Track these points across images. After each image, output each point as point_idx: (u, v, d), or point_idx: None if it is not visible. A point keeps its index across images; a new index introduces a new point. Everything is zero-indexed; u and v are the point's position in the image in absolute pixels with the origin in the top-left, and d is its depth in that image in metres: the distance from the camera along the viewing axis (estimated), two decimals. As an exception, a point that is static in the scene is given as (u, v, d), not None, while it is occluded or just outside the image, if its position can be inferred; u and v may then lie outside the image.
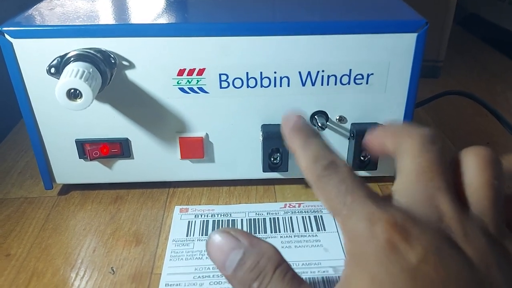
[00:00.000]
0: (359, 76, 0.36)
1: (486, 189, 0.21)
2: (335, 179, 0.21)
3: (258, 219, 0.38)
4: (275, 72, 0.36)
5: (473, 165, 0.22)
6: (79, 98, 0.31)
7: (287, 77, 0.36)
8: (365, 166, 0.38)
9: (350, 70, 0.36)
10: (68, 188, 0.42)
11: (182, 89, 0.36)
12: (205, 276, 0.32)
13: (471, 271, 0.19)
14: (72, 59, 0.33)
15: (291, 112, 0.25)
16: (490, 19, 0.82)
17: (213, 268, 0.33)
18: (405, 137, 0.22)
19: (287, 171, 0.39)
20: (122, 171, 0.40)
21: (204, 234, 0.36)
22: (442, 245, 0.19)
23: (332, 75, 0.36)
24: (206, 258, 0.34)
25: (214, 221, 0.38)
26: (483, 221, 0.20)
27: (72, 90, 0.31)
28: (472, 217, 0.20)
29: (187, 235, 0.36)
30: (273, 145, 0.37)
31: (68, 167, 0.39)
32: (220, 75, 0.36)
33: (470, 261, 0.19)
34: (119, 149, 0.38)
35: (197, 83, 0.36)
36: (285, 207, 0.39)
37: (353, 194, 0.21)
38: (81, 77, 0.31)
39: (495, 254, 0.19)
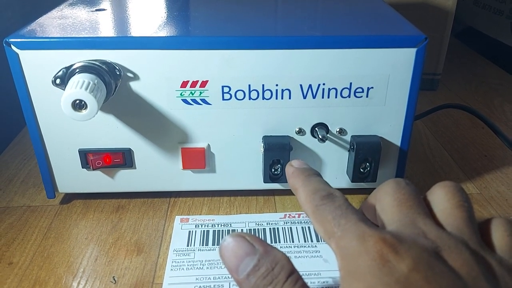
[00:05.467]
0: (359, 90, 0.37)
1: (458, 209, 0.23)
2: (332, 206, 0.24)
3: (258, 229, 0.38)
4: (276, 85, 0.36)
5: (442, 194, 0.24)
6: (84, 109, 0.32)
7: (288, 89, 0.37)
8: (364, 178, 0.39)
9: (351, 83, 0.36)
10: (70, 197, 0.42)
11: (185, 101, 0.37)
12: (207, 286, 0.33)
13: (459, 282, 0.19)
14: (77, 70, 0.34)
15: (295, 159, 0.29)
16: (487, 32, 0.83)
17: (214, 278, 0.33)
18: (381, 187, 0.25)
19: (287, 182, 0.39)
20: (124, 180, 0.40)
21: (204, 244, 0.37)
22: (429, 258, 0.20)
23: (333, 88, 0.37)
24: (207, 268, 0.34)
25: (214, 231, 0.38)
26: (463, 238, 0.22)
27: (77, 101, 0.32)
28: (452, 234, 0.22)
29: (187, 245, 0.37)
30: (274, 156, 0.38)
31: (70, 176, 0.40)
32: (222, 87, 0.36)
33: (457, 273, 0.20)
34: (121, 159, 0.39)
35: (200, 94, 0.36)
36: (284, 217, 0.40)
37: (347, 218, 0.23)
38: (86, 89, 0.31)
39: (480, 267, 0.20)
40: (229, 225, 0.39)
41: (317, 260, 0.35)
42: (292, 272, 0.22)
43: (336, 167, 0.40)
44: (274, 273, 0.22)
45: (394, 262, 0.20)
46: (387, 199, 0.24)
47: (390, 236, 0.21)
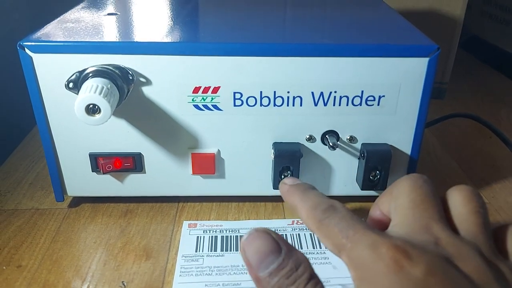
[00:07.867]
0: (371, 98, 0.37)
1: (474, 216, 0.23)
2: (336, 218, 0.23)
3: (267, 236, 0.38)
4: (288, 92, 0.36)
5: (459, 198, 0.24)
6: (98, 113, 0.32)
7: (300, 97, 0.37)
8: (374, 186, 0.39)
9: (362, 91, 0.36)
10: (78, 201, 0.42)
11: (196, 106, 0.37)
12: (216, 293, 0.32)
13: (473, 286, 0.19)
14: (90, 74, 0.34)
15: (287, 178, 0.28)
16: (492, 42, 0.83)
17: (223, 284, 0.33)
18: (398, 183, 0.25)
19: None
20: (133, 185, 0.40)
21: (213, 250, 0.36)
22: (442, 263, 0.20)
23: (344, 96, 0.37)
24: (216, 274, 0.34)
25: (222, 236, 0.38)
26: (476, 244, 0.22)
27: (91, 106, 0.32)
28: (465, 241, 0.22)
29: (196, 251, 0.36)
30: (284, 163, 0.38)
31: (80, 179, 0.40)
32: (234, 93, 0.36)
33: (470, 279, 0.20)
34: (131, 163, 0.39)
35: (211, 100, 0.37)
36: (293, 223, 0.40)
37: (354, 228, 0.22)
38: (100, 93, 0.32)
39: (492, 273, 0.20)
40: (237, 231, 0.39)
41: (326, 267, 0.35)
42: (314, 275, 0.22)
43: (345, 174, 0.40)
44: (297, 273, 0.21)
45: (409, 267, 0.20)
46: (402, 199, 0.24)
47: (401, 242, 0.21)
